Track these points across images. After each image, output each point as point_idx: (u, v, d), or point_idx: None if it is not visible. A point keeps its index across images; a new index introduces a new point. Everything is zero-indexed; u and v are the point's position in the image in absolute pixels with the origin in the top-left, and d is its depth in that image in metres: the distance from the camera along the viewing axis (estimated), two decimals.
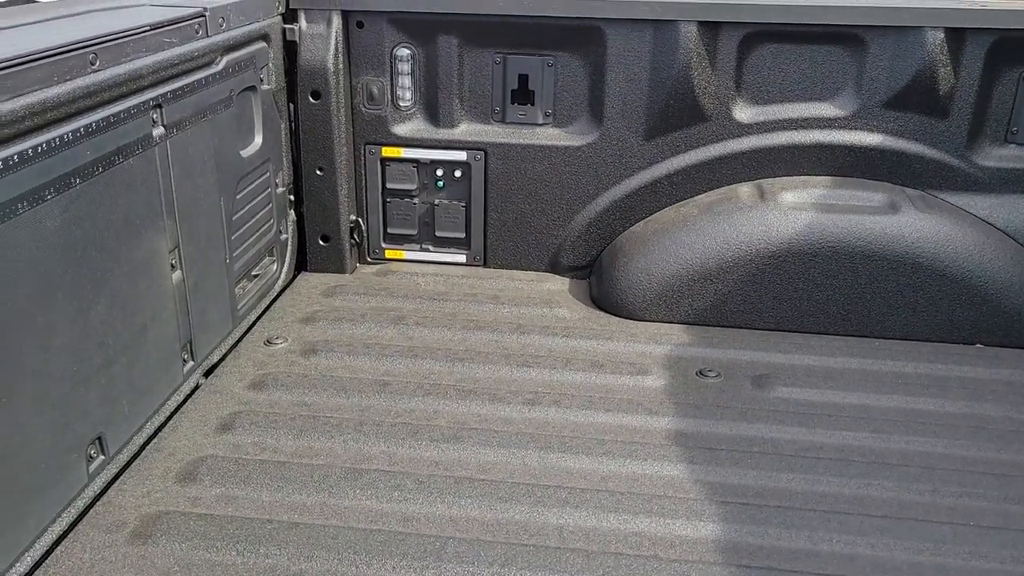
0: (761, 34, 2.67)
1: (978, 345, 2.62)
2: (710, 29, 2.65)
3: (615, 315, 2.74)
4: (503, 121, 2.91)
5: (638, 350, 2.54)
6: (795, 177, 2.78)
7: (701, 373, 2.42)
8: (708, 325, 2.67)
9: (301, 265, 3.02)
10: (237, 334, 2.53)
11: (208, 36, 2.22)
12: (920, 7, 2.59)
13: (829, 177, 2.77)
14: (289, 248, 2.91)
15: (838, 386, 2.34)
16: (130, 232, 1.89)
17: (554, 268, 3.02)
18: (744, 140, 2.78)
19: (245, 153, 2.50)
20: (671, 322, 2.69)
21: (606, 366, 2.42)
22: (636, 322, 2.70)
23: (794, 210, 2.64)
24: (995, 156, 2.72)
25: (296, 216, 2.95)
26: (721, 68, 2.70)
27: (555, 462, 1.99)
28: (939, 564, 1.68)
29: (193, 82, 2.12)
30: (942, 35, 2.55)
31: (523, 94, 2.87)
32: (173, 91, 2.02)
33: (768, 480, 1.93)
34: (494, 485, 1.90)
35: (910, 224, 2.59)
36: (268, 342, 2.53)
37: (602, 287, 2.81)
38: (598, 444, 2.06)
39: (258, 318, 2.67)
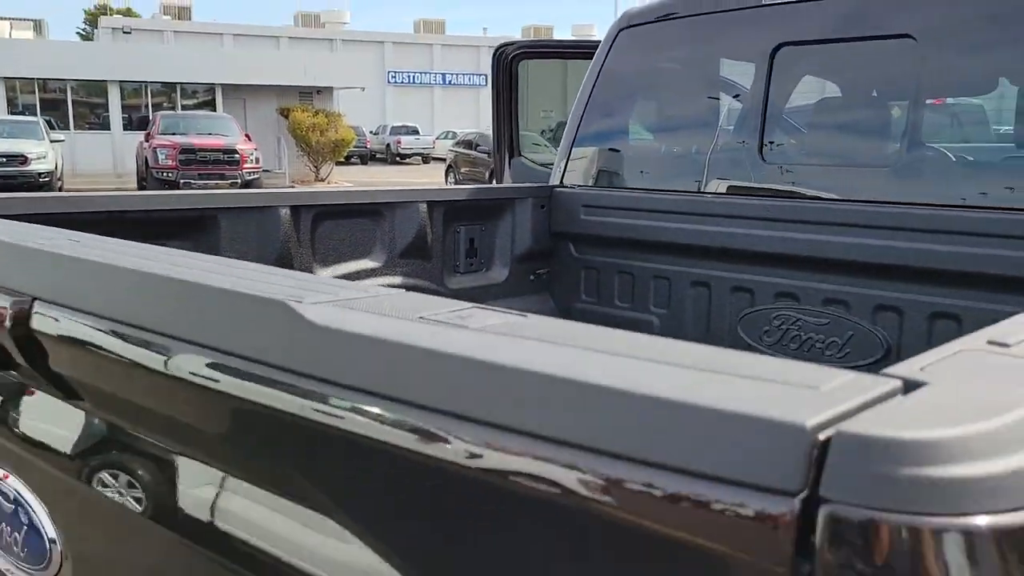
0: (323, 213, 3.34)
1: None
2: (295, 211, 3.21)
3: None
4: None
5: None
6: None
7: None
8: None
9: None
10: None
11: None
12: (414, 189, 3.67)
13: None
14: None
15: None
16: None
17: None
18: None
19: None
20: None
21: None
22: None
23: None
24: (455, 282, 3.95)
25: None
26: (303, 240, 3.28)
27: None
28: None
29: None
30: (425, 207, 3.65)
31: None
32: None
33: None
34: None
35: None
36: None
37: None
38: None
39: None
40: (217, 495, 0.80)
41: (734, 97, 3.03)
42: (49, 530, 1.03)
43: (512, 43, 4.47)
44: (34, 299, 0.87)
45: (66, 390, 0.94)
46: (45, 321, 0.86)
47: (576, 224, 3.73)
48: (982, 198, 2.36)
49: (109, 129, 29.12)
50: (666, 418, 0.48)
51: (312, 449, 0.69)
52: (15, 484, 1.10)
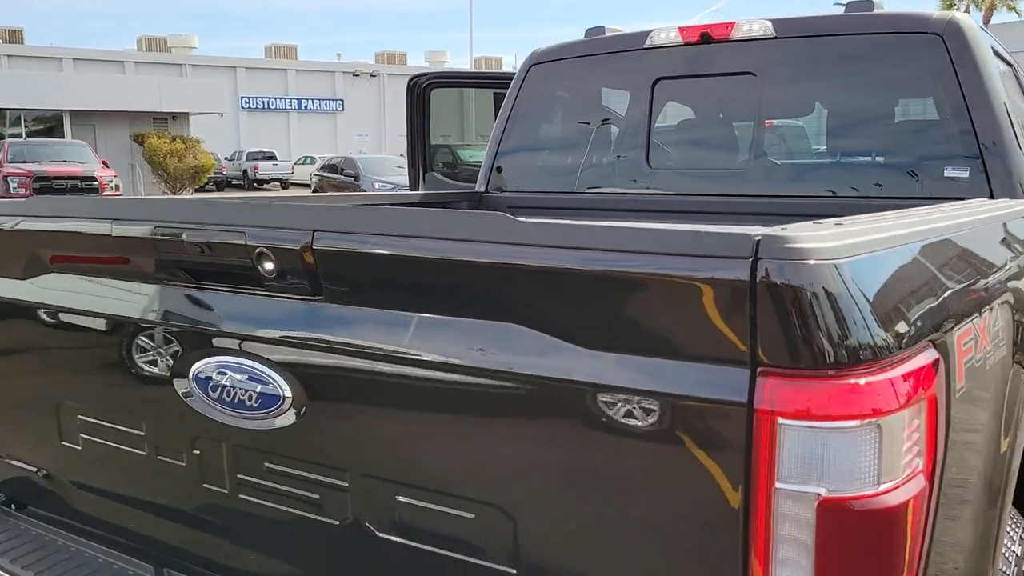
0: None
1: None
2: None
3: None
4: None
5: None
6: None
7: None
8: None
9: None
10: None
11: None
12: (378, 194, 4.25)
13: None
14: None
15: None
16: None
17: None
18: None
19: None
20: None
21: None
22: None
23: None
24: None
25: None
26: None
27: None
28: None
29: None
30: None
31: None
32: None
33: None
34: None
35: None
36: None
37: None
38: None
39: None
40: (446, 340, 1.47)
41: (622, 117, 3.87)
42: (286, 389, 1.66)
43: (425, 73, 5.17)
44: (315, 231, 1.52)
45: (317, 289, 1.57)
46: (323, 243, 1.51)
47: None
48: (806, 190, 3.28)
49: None
50: (696, 237, 1.24)
51: (521, 287, 1.38)
52: (248, 362, 1.71)
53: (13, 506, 2.35)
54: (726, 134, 3.62)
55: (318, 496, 1.67)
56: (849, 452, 1.19)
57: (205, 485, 1.83)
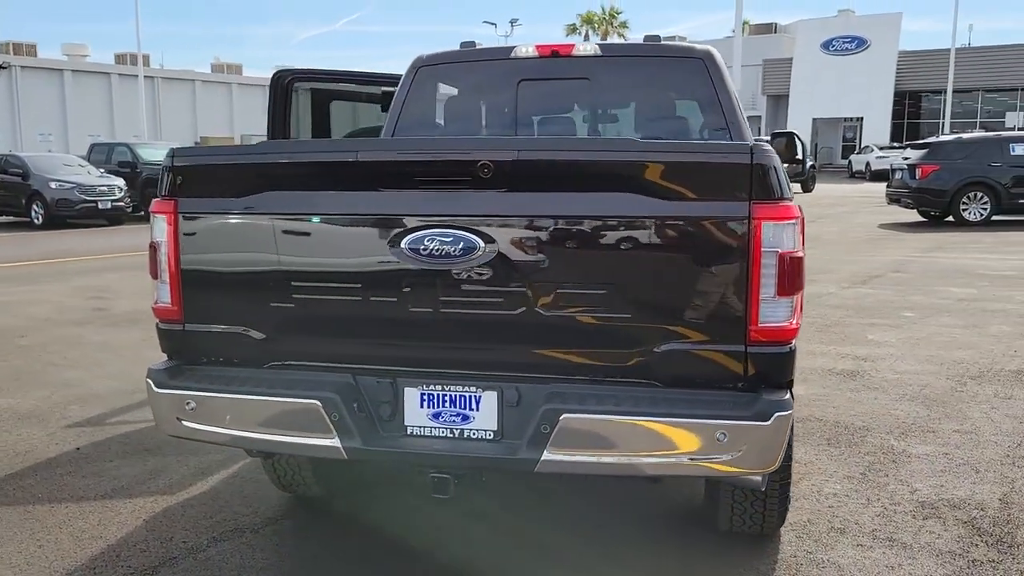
0: None
1: None
2: None
3: None
4: None
5: None
6: None
7: None
8: None
9: None
10: None
11: None
12: None
13: None
14: None
15: None
16: None
17: None
18: None
19: None
20: None
21: None
22: None
23: None
24: None
25: None
26: None
27: None
28: None
29: None
30: None
31: None
32: None
33: None
34: None
35: None
36: None
37: None
38: None
39: None
40: (586, 204, 2.91)
41: (494, 109, 5.37)
42: (480, 242, 2.96)
43: (289, 69, 6.17)
44: (519, 151, 2.86)
45: (510, 184, 2.90)
46: (524, 156, 2.86)
47: None
48: None
49: None
50: (727, 145, 2.84)
51: (632, 172, 2.92)
52: (453, 230, 2.96)
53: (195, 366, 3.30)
54: (570, 119, 5.30)
55: (502, 300, 2.99)
56: (787, 234, 2.88)
57: (412, 309, 3.06)
